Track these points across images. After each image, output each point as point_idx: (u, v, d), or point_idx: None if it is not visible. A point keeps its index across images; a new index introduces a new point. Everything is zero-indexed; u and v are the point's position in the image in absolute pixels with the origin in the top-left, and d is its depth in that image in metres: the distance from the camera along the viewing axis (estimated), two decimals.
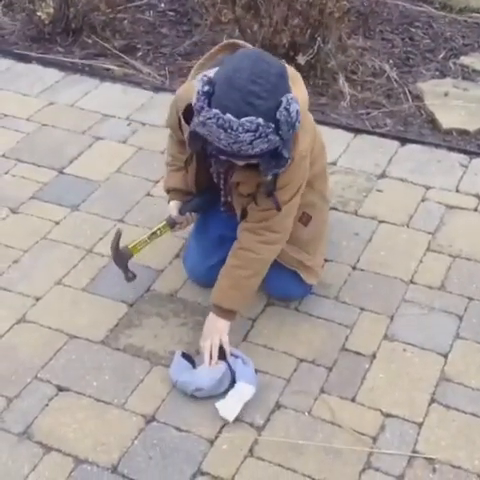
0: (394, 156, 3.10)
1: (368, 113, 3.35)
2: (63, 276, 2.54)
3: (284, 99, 1.86)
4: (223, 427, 2.07)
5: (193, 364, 2.19)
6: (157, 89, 3.52)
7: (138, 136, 3.21)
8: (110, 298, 2.46)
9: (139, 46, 3.84)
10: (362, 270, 2.57)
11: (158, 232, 2.39)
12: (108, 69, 3.67)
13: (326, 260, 2.55)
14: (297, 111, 1.89)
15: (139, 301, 2.45)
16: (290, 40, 3.35)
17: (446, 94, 3.43)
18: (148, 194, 2.89)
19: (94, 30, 3.86)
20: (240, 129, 1.85)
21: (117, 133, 3.22)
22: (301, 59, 3.35)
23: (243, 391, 2.11)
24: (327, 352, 2.28)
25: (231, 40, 2.16)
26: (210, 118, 1.86)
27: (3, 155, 3.10)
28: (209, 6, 3.68)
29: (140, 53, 3.79)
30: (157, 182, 2.94)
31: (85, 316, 2.40)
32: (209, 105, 1.87)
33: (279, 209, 2.13)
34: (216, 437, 2.05)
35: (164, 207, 2.77)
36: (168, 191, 2.42)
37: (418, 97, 3.44)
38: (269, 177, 2.04)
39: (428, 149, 3.14)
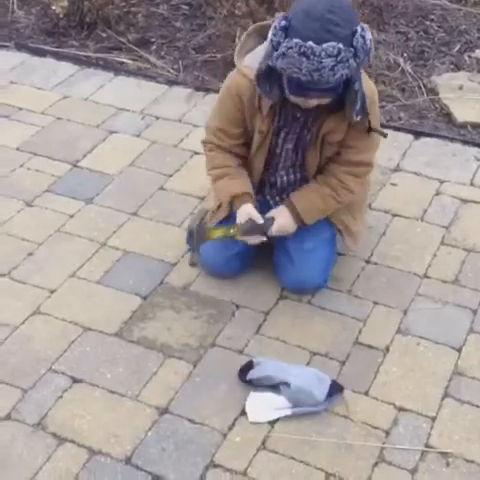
0: (408, 150, 3.09)
1: (382, 106, 3.33)
2: (77, 269, 2.55)
3: (359, 27, 1.98)
4: (236, 419, 2.08)
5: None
6: (171, 83, 3.52)
7: (152, 130, 3.21)
8: (124, 291, 2.47)
9: (153, 40, 3.84)
10: (376, 264, 2.56)
11: (232, 231, 2.33)
12: (122, 63, 3.68)
13: (339, 254, 2.55)
14: (371, 39, 2.00)
15: (153, 294, 2.46)
16: None
17: (461, 87, 3.41)
18: (161, 188, 2.90)
19: (108, 24, 3.87)
20: (323, 54, 1.95)
21: (131, 127, 3.23)
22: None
23: (281, 405, 2.09)
24: (340, 346, 2.28)
25: (253, 25, 2.27)
26: (291, 48, 1.96)
27: (18, 148, 3.11)
28: None
29: (154, 47, 3.80)
30: (171, 176, 2.95)
31: (99, 308, 2.41)
32: (286, 37, 1.97)
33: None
34: (229, 429, 2.06)
35: (178, 200, 2.79)
36: (233, 198, 2.34)
37: (433, 90, 3.43)
38: (358, 117, 2.15)
39: (443, 143, 3.13)
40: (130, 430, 2.06)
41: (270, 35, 2.01)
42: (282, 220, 2.33)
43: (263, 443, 2.03)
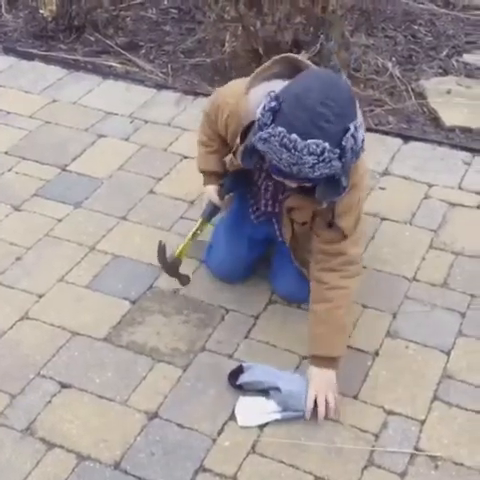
0: (397, 154, 3.10)
1: (371, 111, 3.35)
2: (66, 273, 2.54)
3: (352, 126, 1.80)
4: (226, 424, 2.08)
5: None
6: (160, 86, 3.52)
7: (141, 133, 3.21)
8: (113, 295, 2.46)
9: (142, 43, 3.84)
10: (364, 267, 2.55)
11: (198, 231, 2.37)
12: (111, 66, 3.67)
13: None
14: (363, 139, 1.84)
15: (142, 298, 2.45)
16: (293, 37, 3.35)
17: (449, 92, 3.42)
18: (151, 191, 2.90)
19: (97, 27, 3.87)
20: (305, 151, 1.78)
21: (120, 130, 3.22)
22: (304, 56, 3.34)
23: (271, 409, 2.09)
24: None
25: (286, 54, 2.09)
26: (274, 136, 1.80)
27: (6, 152, 3.10)
28: (212, 3, 3.68)
29: (143, 50, 3.80)
30: (160, 179, 2.95)
31: (88, 313, 2.40)
32: (273, 122, 1.81)
33: (345, 236, 2.07)
34: (219, 434, 2.05)
35: (167, 204, 2.79)
36: (203, 172, 2.40)
37: (421, 95, 3.44)
38: (324, 204, 1.98)
39: (431, 147, 3.14)
40: (119, 435, 2.05)
41: (258, 113, 1.84)
42: (317, 379, 2.08)
43: (253, 447, 2.02)
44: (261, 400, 2.11)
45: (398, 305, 2.42)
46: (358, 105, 1.93)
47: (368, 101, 3.41)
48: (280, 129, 1.79)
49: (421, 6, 4.12)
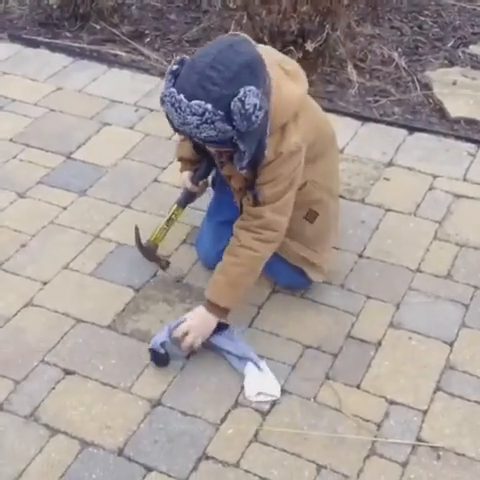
0: (402, 144, 3.10)
1: (376, 101, 3.34)
2: (70, 261, 2.55)
3: (242, 90, 1.85)
4: (229, 412, 2.09)
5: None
6: (165, 75, 3.50)
7: (145, 122, 3.21)
8: (117, 283, 2.46)
9: (147, 32, 3.83)
10: (368, 258, 2.57)
11: (173, 216, 2.44)
12: (116, 55, 3.67)
13: (333, 248, 2.55)
14: (255, 105, 1.87)
15: (145, 286, 2.46)
16: (299, 27, 3.33)
17: (454, 83, 3.41)
18: (155, 180, 2.90)
19: (102, 16, 3.86)
20: (188, 111, 1.88)
21: (125, 119, 3.22)
22: (309, 46, 3.33)
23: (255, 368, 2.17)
24: (333, 339, 2.28)
25: (234, 33, 2.16)
26: (166, 96, 1.92)
27: (11, 140, 3.10)
28: None
29: (148, 39, 3.79)
30: (164, 168, 2.94)
31: (92, 301, 2.41)
32: (174, 85, 1.92)
33: (263, 203, 2.10)
34: (221, 422, 2.06)
35: (171, 193, 2.79)
36: (179, 160, 2.45)
37: (426, 86, 3.43)
38: (244, 170, 2.02)
39: (436, 138, 3.13)
40: (122, 422, 2.06)
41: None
42: (197, 318, 2.17)
43: (255, 435, 2.03)
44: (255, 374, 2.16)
45: (402, 296, 2.43)
46: (268, 75, 1.95)
47: (373, 91, 3.40)
48: (171, 90, 1.90)
49: None
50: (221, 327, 2.21)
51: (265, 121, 1.96)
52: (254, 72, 1.90)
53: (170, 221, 2.45)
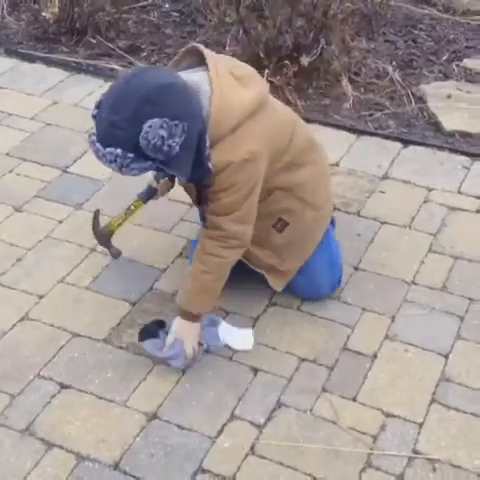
0: (397, 158, 3.11)
1: (371, 115, 3.36)
2: (66, 274, 2.55)
3: (144, 127, 1.87)
4: (225, 425, 2.08)
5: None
6: None
7: None
8: (113, 297, 2.47)
9: (143, 46, 3.85)
10: (364, 271, 2.58)
11: (132, 207, 2.51)
12: (112, 69, 3.68)
13: None
14: (162, 137, 1.88)
15: (141, 300, 2.46)
16: (294, 41, 3.36)
17: (449, 96, 3.43)
18: None
19: (98, 30, 3.88)
20: (104, 159, 1.94)
21: None
22: (304, 60, 3.36)
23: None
24: (329, 352, 2.29)
25: (192, 44, 2.17)
26: (90, 143, 1.97)
27: (7, 154, 3.11)
28: (213, 7, 3.70)
29: (144, 53, 3.81)
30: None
31: (88, 314, 2.41)
32: (96, 129, 1.96)
33: (223, 213, 2.10)
34: (218, 435, 2.06)
35: (168, 206, 2.80)
36: None
37: (421, 99, 3.45)
38: (190, 183, 2.10)
39: (431, 151, 3.15)
40: (118, 436, 2.06)
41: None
42: (174, 326, 2.23)
43: (251, 449, 2.03)
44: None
45: (397, 308, 2.43)
46: (189, 93, 1.96)
47: (368, 105, 3.42)
48: (92, 138, 1.96)
49: (422, 11, 4.14)
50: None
51: (194, 138, 1.96)
52: (156, 103, 1.90)
53: (128, 211, 2.51)
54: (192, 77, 2.03)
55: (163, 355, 2.21)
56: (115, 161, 1.92)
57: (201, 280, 2.19)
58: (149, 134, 1.87)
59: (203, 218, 2.29)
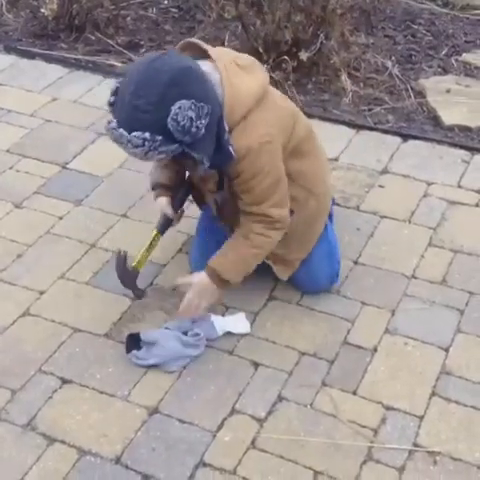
0: (396, 152, 3.11)
1: (370, 109, 3.36)
2: (67, 270, 2.55)
3: (173, 109, 1.88)
4: (226, 419, 2.09)
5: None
6: None
7: None
8: (113, 292, 2.47)
9: (142, 42, 3.86)
10: (364, 265, 2.58)
11: (153, 243, 2.37)
12: (111, 65, 3.69)
13: None
14: (190, 118, 1.89)
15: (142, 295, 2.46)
16: (293, 36, 3.36)
17: (448, 91, 3.44)
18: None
19: (97, 27, 3.88)
20: (130, 145, 1.91)
21: None
22: (304, 55, 3.36)
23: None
24: (329, 346, 2.29)
25: (186, 40, 2.18)
26: (109, 131, 1.94)
27: (7, 150, 3.11)
28: (212, 3, 3.70)
29: (143, 49, 3.81)
30: None
31: (88, 310, 2.41)
32: (114, 115, 1.95)
33: (260, 202, 2.13)
34: (219, 429, 2.07)
35: None
36: (154, 187, 2.39)
37: (420, 94, 3.45)
38: (202, 171, 2.06)
39: (430, 145, 3.15)
40: (120, 430, 2.06)
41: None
42: (196, 279, 2.25)
43: (252, 442, 2.04)
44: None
45: (397, 302, 2.44)
46: (205, 79, 1.97)
47: (368, 100, 3.42)
48: (113, 124, 1.92)
49: (421, 6, 4.13)
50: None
51: (215, 122, 1.98)
52: (181, 85, 1.91)
53: (151, 247, 2.38)
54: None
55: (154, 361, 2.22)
56: (143, 145, 1.90)
57: (243, 251, 2.21)
58: (178, 115, 1.88)
59: (219, 214, 2.31)
